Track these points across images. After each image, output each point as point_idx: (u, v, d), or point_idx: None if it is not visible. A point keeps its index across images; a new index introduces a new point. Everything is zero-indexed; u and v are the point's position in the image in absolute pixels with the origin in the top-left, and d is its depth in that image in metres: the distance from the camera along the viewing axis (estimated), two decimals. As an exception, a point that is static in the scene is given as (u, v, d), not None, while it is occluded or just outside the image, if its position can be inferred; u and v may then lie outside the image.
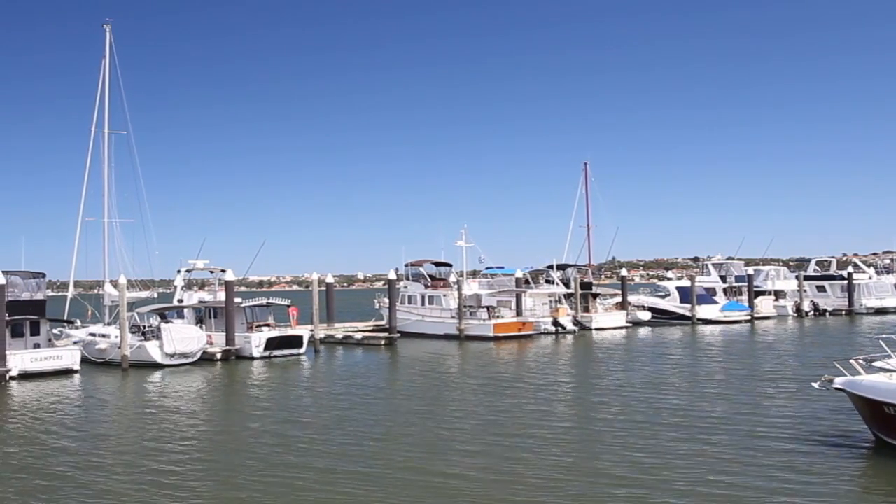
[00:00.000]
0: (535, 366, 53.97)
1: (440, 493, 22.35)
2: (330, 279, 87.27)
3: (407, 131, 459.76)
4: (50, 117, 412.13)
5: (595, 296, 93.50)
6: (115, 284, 64.57)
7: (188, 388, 46.95)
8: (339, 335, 76.73)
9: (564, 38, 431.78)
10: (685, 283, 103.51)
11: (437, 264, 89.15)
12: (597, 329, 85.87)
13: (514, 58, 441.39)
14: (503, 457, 26.39)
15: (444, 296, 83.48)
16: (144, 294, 69.08)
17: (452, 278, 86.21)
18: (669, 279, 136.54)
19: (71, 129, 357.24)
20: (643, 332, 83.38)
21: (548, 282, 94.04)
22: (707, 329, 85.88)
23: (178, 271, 74.37)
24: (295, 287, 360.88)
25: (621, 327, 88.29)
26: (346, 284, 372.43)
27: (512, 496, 21.92)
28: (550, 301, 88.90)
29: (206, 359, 60.05)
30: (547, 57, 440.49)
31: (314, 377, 51.42)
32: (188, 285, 74.36)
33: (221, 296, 66.07)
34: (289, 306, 68.85)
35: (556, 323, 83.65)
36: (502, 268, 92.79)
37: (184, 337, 59.05)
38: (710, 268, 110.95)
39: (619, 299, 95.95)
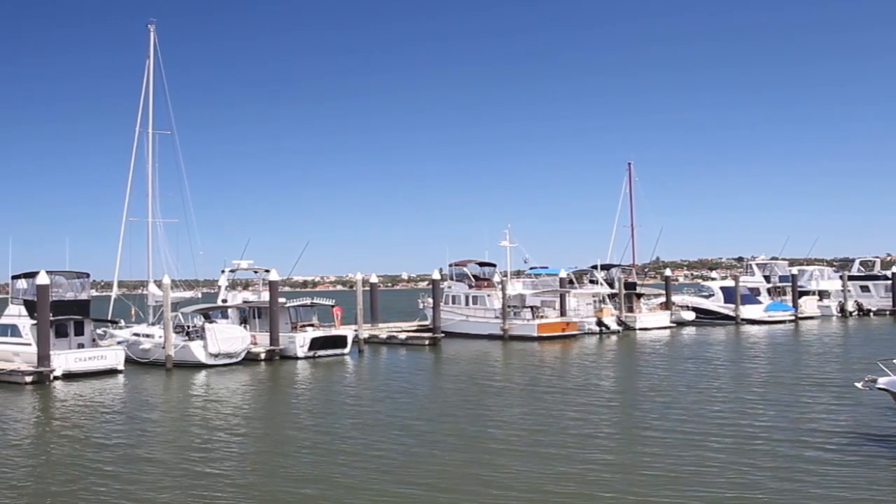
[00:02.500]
0: (579, 367, 53.67)
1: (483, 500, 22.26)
2: (374, 279, 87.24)
3: (451, 131, 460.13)
4: (94, 117, 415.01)
5: (639, 296, 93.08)
6: (159, 284, 64.72)
7: (232, 388, 47.00)
8: (383, 335, 76.70)
9: (608, 38, 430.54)
10: (729, 283, 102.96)
11: (482, 264, 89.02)
12: (641, 329, 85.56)
13: (557, 57, 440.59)
14: (543, 461, 26.21)
15: (489, 296, 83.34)
16: (188, 294, 69.19)
17: (496, 278, 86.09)
18: (713, 279, 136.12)
19: (115, 129, 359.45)
20: (687, 332, 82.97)
21: (592, 282, 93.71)
22: (751, 329, 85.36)
23: (223, 271, 74.55)
24: (339, 287, 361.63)
25: (665, 327, 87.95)
26: (390, 284, 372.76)
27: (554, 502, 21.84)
28: (594, 301, 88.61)
29: (250, 359, 60.11)
30: (591, 56, 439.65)
31: (358, 378, 51.42)
32: (232, 285, 74.52)
33: (266, 296, 66.13)
34: (333, 306, 68.82)
35: (600, 323, 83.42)
36: (546, 268, 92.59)
37: (228, 337, 59.12)
38: (755, 268, 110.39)
39: (663, 299, 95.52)
